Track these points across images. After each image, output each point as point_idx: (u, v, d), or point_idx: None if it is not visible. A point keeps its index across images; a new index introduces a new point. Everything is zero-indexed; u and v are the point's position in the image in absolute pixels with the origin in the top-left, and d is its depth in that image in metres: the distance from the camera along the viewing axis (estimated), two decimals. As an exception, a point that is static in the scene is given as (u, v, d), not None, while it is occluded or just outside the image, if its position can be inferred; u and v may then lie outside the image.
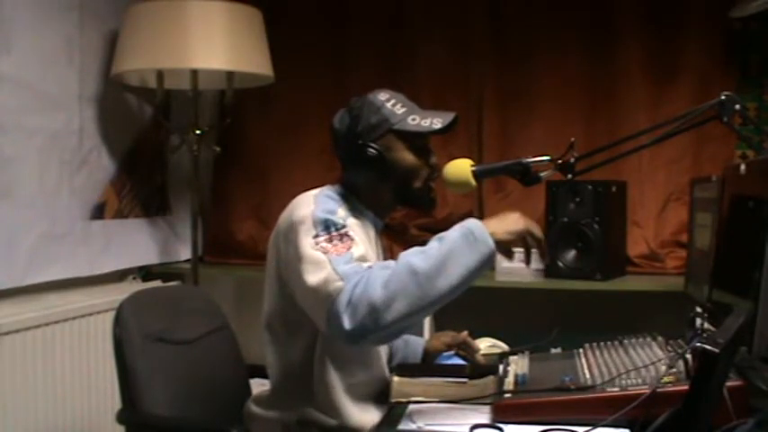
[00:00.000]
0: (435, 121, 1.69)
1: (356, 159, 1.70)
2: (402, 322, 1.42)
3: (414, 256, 1.43)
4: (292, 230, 1.57)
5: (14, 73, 2.44)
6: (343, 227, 1.54)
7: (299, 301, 1.56)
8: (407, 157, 1.71)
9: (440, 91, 3.24)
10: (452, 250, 1.43)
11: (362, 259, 1.50)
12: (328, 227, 1.53)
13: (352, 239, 1.52)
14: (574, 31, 3.17)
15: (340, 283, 1.42)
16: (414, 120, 1.69)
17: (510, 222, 1.51)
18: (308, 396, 1.66)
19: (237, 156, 3.43)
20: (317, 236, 1.52)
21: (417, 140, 1.71)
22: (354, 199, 1.73)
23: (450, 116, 1.70)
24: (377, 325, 1.40)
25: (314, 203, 1.60)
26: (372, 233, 1.75)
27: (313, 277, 1.46)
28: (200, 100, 3.00)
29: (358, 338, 1.42)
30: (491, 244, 1.45)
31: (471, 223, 1.48)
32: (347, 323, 1.39)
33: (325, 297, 1.43)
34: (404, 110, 1.71)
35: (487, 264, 1.46)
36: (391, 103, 1.71)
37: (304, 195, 1.67)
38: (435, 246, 1.45)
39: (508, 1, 3.24)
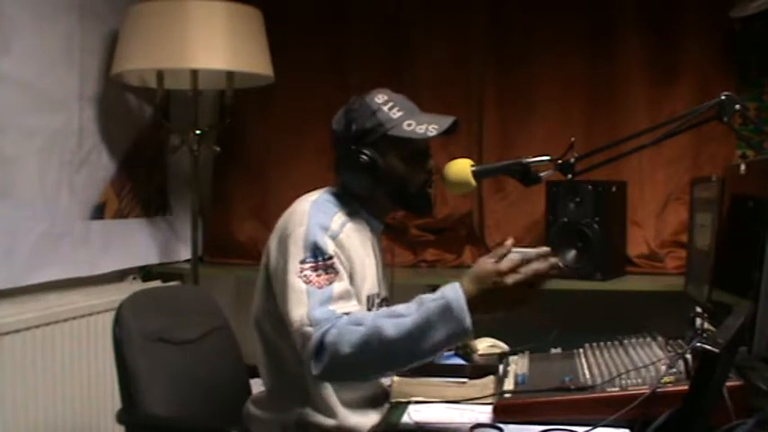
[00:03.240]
0: (431, 128, 1.66)
1: (350, 163, 1.69)
2: (366, 377, 1.57)
3: (387, 322, 1.40)
4: (284, 244, 1.60)
5: (14, 73, 2.44)
6: (330, 258, 1.55)
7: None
8: (401, 163, 1.70)
9: (440, 91, 3.23)
10: (426, 324, 1.38)
11: (343, 295, 1.52)
12: (316, 255, 1.55)
13: (336, 272, 1.54)
14: (574, 31, 3.17)
15: (310, 329, 1.46)
16: (409, 125, 1.67)
17: (487, 286, 1.39)
18: (304, 397, 1.66)
19: (237, 156, 3.43)
20: (303, 261, 1.54)
21: (414, 145, 1.70)
22: (352, 202, 1.72)
23: (447, 121, 1.68)
24: (343, 376, 1.49)
25: (308, 216, 1.60)
26: (370, 236, 1.75)
27: (293, 311, 1.51)
28: (200, 100, 3.00)
29: (324, 380, 1.58)
30: (467, 324, 1.37)
31: (451, 295, 1.38)
32: (314, 368, 1.45)
33: (299, 335, 1.49)
34: (400, 114, 1.68)
35: (461, 338, 1.40)
36: (388, 107, 1.69)
37: (301, 203, 1.67)
38: (411, 313, 1.40)
39: (508, 1, 3.24)
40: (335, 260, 1.56)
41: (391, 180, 1.70)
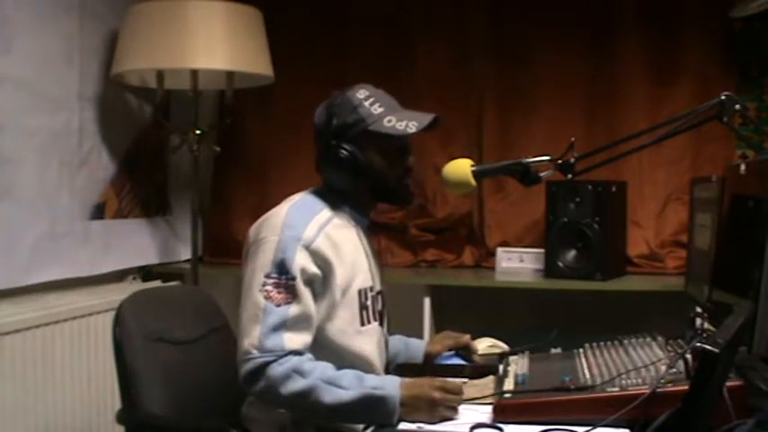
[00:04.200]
0: (411, 125, 1.67)
1: (330, 159, 1.70)
2: (286, 410, 1.62)
3: (327, 388, 1.53)
4: (255, 249, 1.63)
5: (14, 73, 2.44)
6: (293, 278, 1.58)
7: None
8: (381, 158, 1.72)
9: (440, 91, 3.23)
10: (359, 405, 1.53)
11: (299, 320, 1.58)
12: (281, 272, 1.58)
13: (295, 294, 1.58)
14: (574, 31, 3.18)
15: (256, 353, 1.55)
16: (389, 121, 1.69)
17: (422, 411, 1.52)
18: None
19: (237, 156, 3.43)
20: (268, 275, 1.59)
21: (394, 141, 1.71)
22: (335, 198, 1.74)
23: (427, 118, 1.70)
24: (268, 403, 1.61)
25: (282, 226, 1.62)
26: (356, 232, 1.76)
27: (246, 326, 1.58)
28: (200, 100, 3.00)
29: (251, 395, 1.65)
30: (393, 421, 1.52)
31: (391, 391, 1.53)
32: (246, 387, 1.57)
33: (244, 352, 1.56)
34: (381, 110, 1.70)
35: (381, 425, 1.53)
36: (369, 102, 1.71)
37: (281, 206, 1.69)
38: (351, 388, 1.54)
39: (508, 1, 3.24)
40: (298, 282, 1.59)
41: (370, 174, 1.71)
